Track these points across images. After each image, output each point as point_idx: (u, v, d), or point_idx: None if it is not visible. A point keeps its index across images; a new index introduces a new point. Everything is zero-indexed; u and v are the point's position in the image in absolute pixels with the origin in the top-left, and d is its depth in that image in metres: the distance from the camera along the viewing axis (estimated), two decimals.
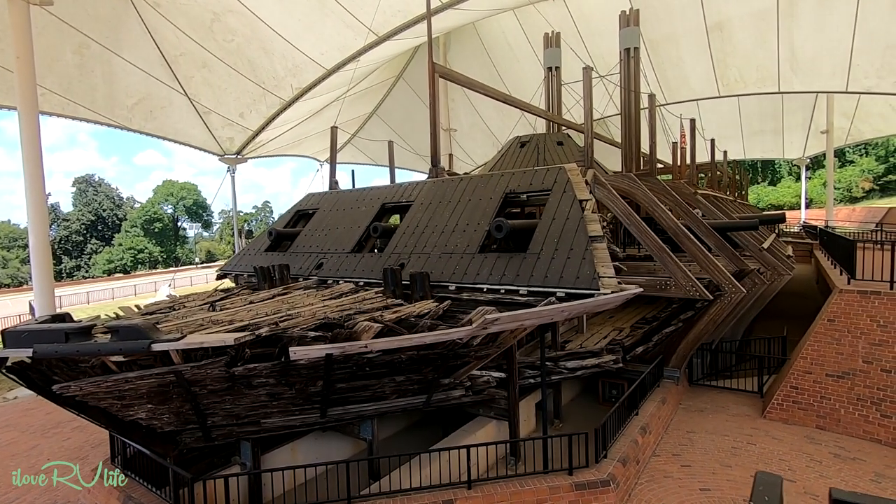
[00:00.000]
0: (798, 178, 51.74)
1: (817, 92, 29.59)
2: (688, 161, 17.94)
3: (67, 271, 62.61)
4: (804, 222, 38.07)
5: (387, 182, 13.55)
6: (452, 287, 7.72)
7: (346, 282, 9.08)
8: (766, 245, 12.83)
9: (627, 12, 16.96)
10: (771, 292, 13.40)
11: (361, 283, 8.88)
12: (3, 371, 4.85)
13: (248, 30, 20.40)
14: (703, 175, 24.49)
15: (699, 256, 9.69)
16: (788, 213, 44.91)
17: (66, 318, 5.57)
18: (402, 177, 39.02)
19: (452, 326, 5.90)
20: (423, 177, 11.30)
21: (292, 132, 29.28)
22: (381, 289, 8.18)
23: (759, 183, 63.25)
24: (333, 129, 13.76)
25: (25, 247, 47.77)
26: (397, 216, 11.04)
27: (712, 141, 23.01)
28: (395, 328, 5.80)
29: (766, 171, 64.85)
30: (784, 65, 25.15)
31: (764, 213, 35.80)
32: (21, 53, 13.42)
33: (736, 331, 13.80)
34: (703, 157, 25.64)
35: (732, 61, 26.35)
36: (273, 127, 26.64)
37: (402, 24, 19.53)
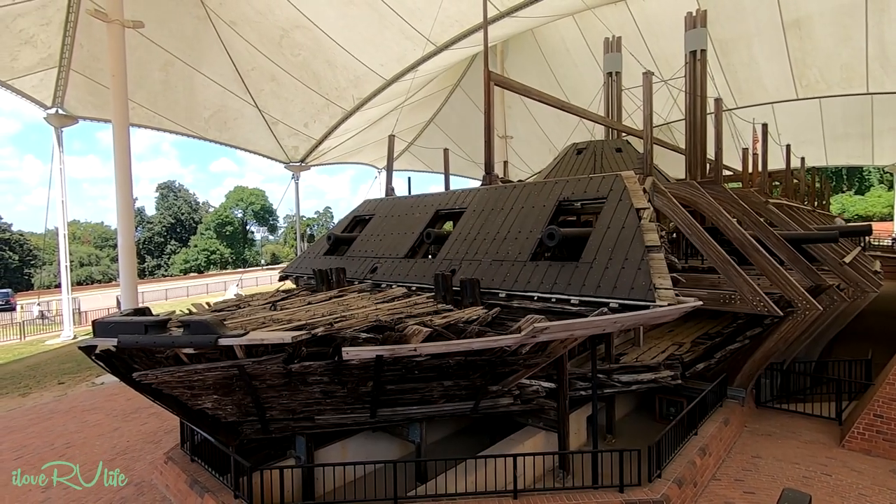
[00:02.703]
0: (890, 187, 47.21)
1: None
2: (760, 168, 16.85)
3: (150, 269, 68.17)
4: None
5: (442, 189, 13.74)
6: (503, 294, 7.70)
7: (398, 286, 9.30)
8: (847, 259, 11.80)
9: (694, 13, 16.22)
10: (853, 310, 12.32)
11: (413, 288, 9.05)
12: (93, 358, 5.39)
13: (314, 44, 21.48)
14: (777, 183, 22.89)
15: (768, 269, 9.07)
16: (879, 225, 41.00)
17: (146, 312, 6.11)
18: (457, 184, 39.34)
19: (501, 333, 5.90)
20: (478, 184, 11.37)
21: (353, 140, 30.42)
22: (433, 294, 8.31)
23: (843, 192, 58.26)
24: (391, 138, 14.19)
25: (115, 246, 52.45)
26: (451, 223, 11.17)
27: (788, 146, 21.48)
28: (444, 333, 5.89)
29: (853, 178, 59.65)
30: (873, 63, 23.14)
31: (847, 223, 32.86)
32: (115, 72, 14.87)
33: (812, 351, 12.76)
34: (777, 164, 24.01)
35: (812, 61, 24.54)
36: (335, 136, 27.82)
37: (459, 33, 19.84)
